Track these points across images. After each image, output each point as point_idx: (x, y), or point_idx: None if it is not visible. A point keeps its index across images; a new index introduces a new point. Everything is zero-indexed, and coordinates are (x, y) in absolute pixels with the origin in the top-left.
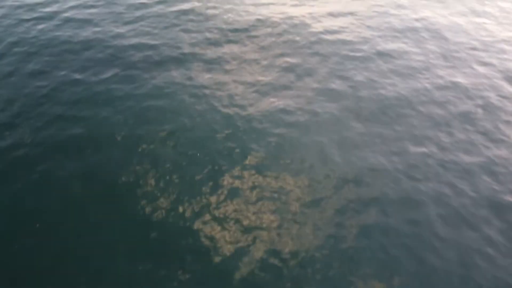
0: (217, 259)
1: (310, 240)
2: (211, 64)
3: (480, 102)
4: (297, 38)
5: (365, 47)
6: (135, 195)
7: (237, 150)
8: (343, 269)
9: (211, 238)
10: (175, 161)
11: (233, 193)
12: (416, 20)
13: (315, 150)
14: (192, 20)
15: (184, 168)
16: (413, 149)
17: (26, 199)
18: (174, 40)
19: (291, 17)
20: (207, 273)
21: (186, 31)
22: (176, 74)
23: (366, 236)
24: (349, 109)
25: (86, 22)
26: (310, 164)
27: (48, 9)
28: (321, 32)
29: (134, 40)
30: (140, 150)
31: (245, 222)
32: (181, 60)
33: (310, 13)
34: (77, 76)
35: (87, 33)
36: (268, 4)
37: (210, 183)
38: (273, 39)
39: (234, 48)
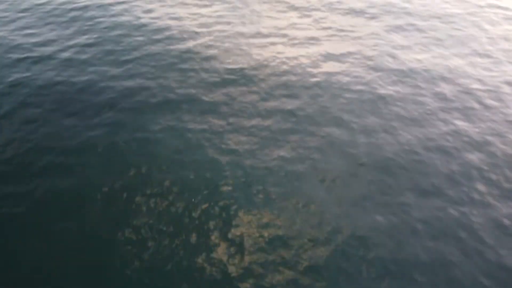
0: None
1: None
2: (208, 106)
3: (486, 149)
4: (295, 80)
5: (364, 90)
6: (128, 250)
7: (231, 201)
8: None
9: None
10: (166, 212)
11: (224, 246)
12: (416, 61)
13: (313, 203)
14: (189, 60)
15: (174, 219)
16: (418, 202)
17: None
18: (170, 82)
19: (289, 58)
20: None
21: (182, 71)
22: (171, 118)
23: None
24: (350, 158)
25: (82, 62)
26: (306, 221)
27: (44, 49)
28: (319, 73)
29: (130, 83)
30: (129, 201)
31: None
32: (176, 103)
33: (308, 54)
34: (70, 121)
35: (82, 74)
36: (266, 44)
37: (202, 236)
38: (272, 81)
39: (232, 91)
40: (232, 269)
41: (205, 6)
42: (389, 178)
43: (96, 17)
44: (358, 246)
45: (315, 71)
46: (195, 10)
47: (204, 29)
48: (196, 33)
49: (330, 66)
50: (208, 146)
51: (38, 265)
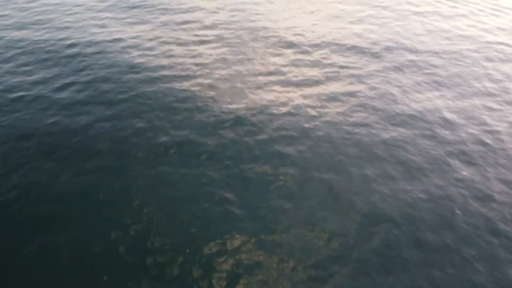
0: None
1: None
2: (203, 149)
3: (495, 198)
4: (293, 121)
5: (365, 134)
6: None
7: (220, 253)
8: None
9: None
10: (158, 272)
11: None
12: (419, 102)
13: (308, 258)
14: (185, 101)
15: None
16: (421, 257)
17: None
18: (165, 123)
19: (288, 99)
20: None
21: (178, 112)
22: (163, 162)
23: None
24: (349, 208)
25: (75, 102)
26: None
27: (36, 88)
28: (318, 115)
29: (123, 123)
30: (111, 257)
31: None
32: (170, 145)
33: (307, 94)
34: (55, 167)
35: (73, 115)
36: (264, 84)
37: None
38: (269, 123)
39: (228, 133)
40: None
41: (202, 43)
42: (390, 232)
43: (91, 55)
44: None
45: (314, 112)
46: (192, 48)
47: (201, 68)
48: (193, 72)
49: (329, 107)
50: (201, 194)
51: None
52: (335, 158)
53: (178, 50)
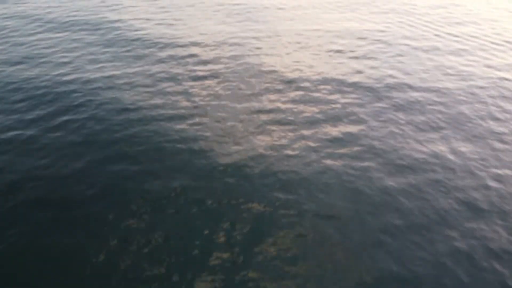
0: None
1: None
2: (196, 197)
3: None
4: (290, 169)
5: (363, 184)
6: None
7: None
8: None
9: None
10: None
11: None
12: (418, 149)
13: None
14: (178, 143)
15: None
16: None
17: None
18: (157, 169)
19: (285, 145)
20: None
21: (170, 155)
22: (153, 212)
23: None
24: (349, 274)
25: (64, 146)
26: None
27: (24, 132)
28: (317, 161)
29: (115, 167)
30: None
31: None
32: (162, 194)
33: (305, 137)
34: (43, 218)
35: (62, 160)
36: (262, 128)
37: None
38: (265, 171)
39: (222, 181)
40: None
41: (200, 79)
42: None
43: (85, 92)
44: None
45: (312, 157)
46: (189, 84)
47: (197, 107)
48: (189, 111)
49: (328, 154)
50: (193, 244)
51: None
52: (334, 209)
53: (174, 87)
